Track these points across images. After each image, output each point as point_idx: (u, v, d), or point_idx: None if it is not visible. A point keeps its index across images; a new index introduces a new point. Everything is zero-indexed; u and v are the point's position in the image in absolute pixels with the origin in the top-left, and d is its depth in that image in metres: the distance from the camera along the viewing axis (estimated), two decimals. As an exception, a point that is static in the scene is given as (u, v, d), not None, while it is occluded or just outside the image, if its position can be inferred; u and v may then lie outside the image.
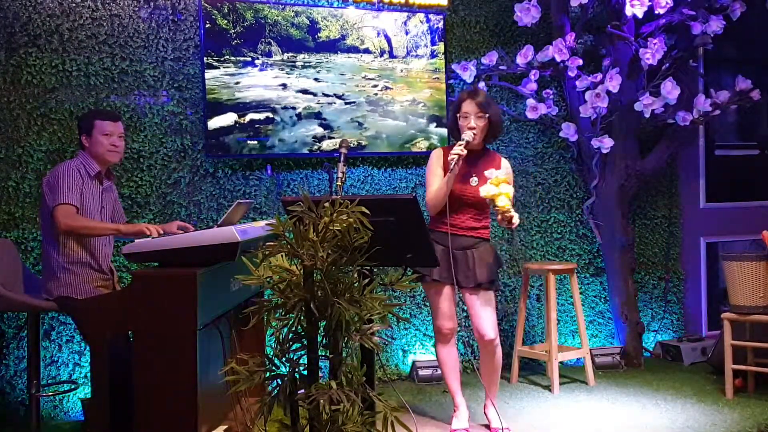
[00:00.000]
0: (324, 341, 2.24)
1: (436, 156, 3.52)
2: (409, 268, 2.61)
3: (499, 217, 3.27)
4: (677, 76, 4.66)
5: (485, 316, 3.44)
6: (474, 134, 3.39)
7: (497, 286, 3.51)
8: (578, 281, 4.84)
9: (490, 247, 3.51)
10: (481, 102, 3.42)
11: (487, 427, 3.61)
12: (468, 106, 3.43)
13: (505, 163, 3.53)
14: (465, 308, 4.65)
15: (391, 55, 4.61)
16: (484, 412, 3.67)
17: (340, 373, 2.22)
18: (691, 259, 5.34)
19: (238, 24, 4.28)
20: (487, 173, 3.30)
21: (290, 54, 4.40)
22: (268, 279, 2.23)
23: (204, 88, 4.19)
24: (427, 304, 4.67)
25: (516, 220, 3.27)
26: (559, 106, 4.88)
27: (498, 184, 3.23)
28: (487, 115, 3.42)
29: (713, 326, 5.28)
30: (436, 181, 3.45)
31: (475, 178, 3.42)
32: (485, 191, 3.26)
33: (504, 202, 3.22)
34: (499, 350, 3.51)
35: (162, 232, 3.09)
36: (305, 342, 2.23)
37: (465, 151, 3.32)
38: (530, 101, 4.71)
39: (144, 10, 4.17)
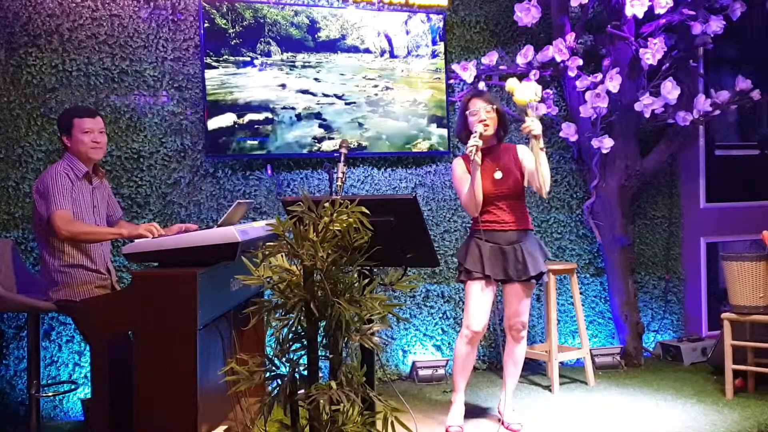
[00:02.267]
0: (324, 341, 2.24)
1: (458, 164, 3.59)
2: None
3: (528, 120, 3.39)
4: (677, 76, 4.67)
5: (524, 309, 3.56)
6: (485, 127, 3.46)
7: (546, 278, 3.60)
8: (578, 281, 4.84)
9: (535, 239, 3.59)
10: (488, 98, 3.55)
11: (500, 421, 3.65)
12: (476, 104, 3.52)
13: (521, 149, 3.60)
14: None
15: (392, 55, 4.61)
16: (498, 408, 3.70)
17: (340, 373, 2.22)
18: (691, 259, 5.34)
19: (237, 24, 4.28)
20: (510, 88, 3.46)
21: (290, 54, 4.40)
22: (268, 279, 2.23)
23: (204, 88, 4.19)
24: (428, 304, 4.68)
25: (535, 127, 3.36)
26: (559, 106, 4.88)
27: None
28: (495, 108, 3.52)
29: (713, 326, 5.27)
30: (465, 184, 3.50)
31: (499, 172, 3.49)
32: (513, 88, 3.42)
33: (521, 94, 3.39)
34: (524, 343, 3.65)
35: (162, 232, 3.09)
36: (305, 342, 2.23)
37: (480, 142, 3.38)
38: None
39: (144, 10, 4.17)
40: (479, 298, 3.50)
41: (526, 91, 3.36)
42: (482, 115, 3.47)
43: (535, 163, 3.40)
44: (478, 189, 3.44)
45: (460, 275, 3.55)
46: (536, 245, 3.55)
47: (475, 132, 3.40)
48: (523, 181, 3.51)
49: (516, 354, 3.65)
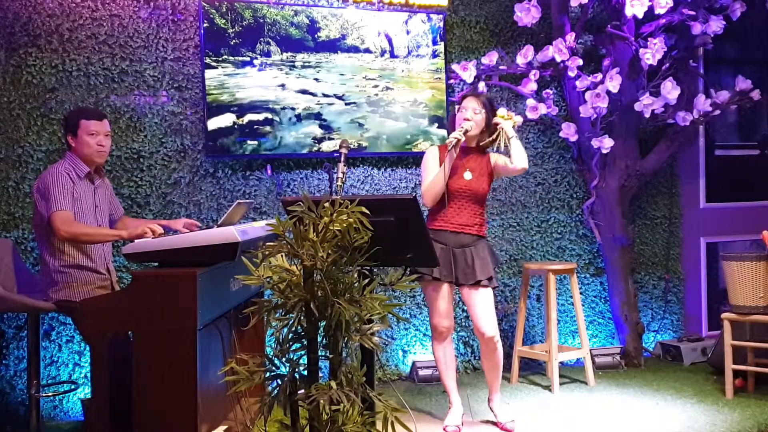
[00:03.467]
0: (324, 341, 2.24)
1: (431, 153, 3.63)
2: (408, 268, 2.64)
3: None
4: (677, 76, 4.67)
5: (484, 314, 3.50)
6: (471, 125, 3.51)
7: (495, 284, 3.56)
8: (578, 281, 4.84)
9: (487, 245, 3.59)
10: (482, 101, 3.58)
11: (493, 423, 3.65)
12: (468, 102, 3.57)
13: (493, 155, 3.67)
14: (464, 307, 4.65)
15: (392, 55, 4.61)
16: (489, 407, 3.70)
17: (340, 373, 2.22)
18: (691, 259, 5.34)
19: (237, 23, 4.28)
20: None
21: (289, 54, 4.40)
22: (268, 279, 2.23)
23: (204, 88, 4.18)
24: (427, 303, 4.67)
25: (507, 129, 3.59)
26: (559, 106, 4.88)
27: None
28: (484, 112, 3.55)
29: (713, 326, 5.27)
30: (431, 174, 3.55)
31: (469, 173, 3.53)
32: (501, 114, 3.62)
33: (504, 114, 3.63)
34: (499, 346, 3.58)
35: (162, 232, 3.08)
36: (305, 342, 2.23)
37: (463, 137, 3.46)
38: (530, 101, 4.71)
39: (144, 10, 4.17)
40: (435, 299, 3.53)
41: (505, 112, 3.64)
42: (468, 114, 3.52)
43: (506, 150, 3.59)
44: (440, 180, 3.46)
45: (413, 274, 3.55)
46: (487, 251, 3.55)
47: (461, 127, 3.49)
48: (488, 187, 3.59)
49: (492, 358, 3.58)
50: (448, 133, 4.46)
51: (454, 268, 3.48)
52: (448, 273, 3.48)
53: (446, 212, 3.49)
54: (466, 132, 3.47)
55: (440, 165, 3.51)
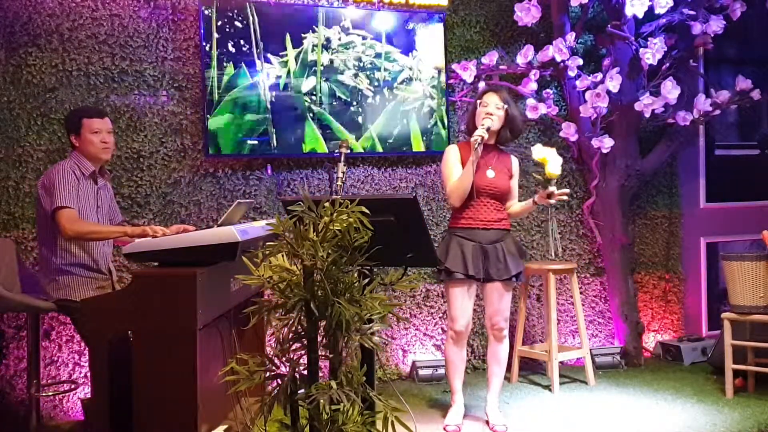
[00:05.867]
0: (324, 341, 2.24)
1: (452, 151, 3.61)
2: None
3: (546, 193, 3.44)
4: (677, 76, 4.67)
5: (503, 308, 3.56)
6: (492, 120, 3.48)
7: (523, 279, 3.61)
8: (578, 281, 4.84)
9: (514, 239, 3.61)
10: (504, 97, 3.54)
11: (486, 423, 3.65)
12: (489, 97, 3.53)
13: (515, 162, 3.66)
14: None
15: (393, 54, 4.61)
16: (485, 408, 3.70)
17: (340, 373, 2.22)
18: (691, 259, 5.34)
19: (237, 23, 4.28)
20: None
21: (290, 53, 4.39)
22: (268, 279, 2.23)
23: (204, 88, 4.18)
24: (428, 304, 4.67)
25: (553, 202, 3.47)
26: (559, 106, 4.89)
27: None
28: (505, 107, 3.50)
29: (713, 326, 5.27)
30: (456, 172, 3.53)
31: (492, 171, 3.52)
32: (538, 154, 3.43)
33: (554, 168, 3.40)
34: (506, 343, 3.62)
35: (168, 232, 3.09)
36: (305, 342, 2.23)
37: (486, 135, 3.43)
38: (530, 101, 4.71)
39: (144, 10, 4.17)
40: (461, 298, 3.51)
41: (557, 166, 3.42)
42: (490, 109, 3.49)
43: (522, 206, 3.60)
44: (469, 178, 3.45)
45: (440, 274, 3.54)
46: (515, 245, 3.58)
47: (482, 124, 3.45)
48: (509, 186, 3.59)
49: (499, 353, 3.63)
50: (449, 132, 4.48)
51: (486, 264, 3.48)
52: (480, 270, 3.48)
53: (473, 210, 3.50)
54: (488, 129, 3.45)
55: (461, 163, 3.52)
